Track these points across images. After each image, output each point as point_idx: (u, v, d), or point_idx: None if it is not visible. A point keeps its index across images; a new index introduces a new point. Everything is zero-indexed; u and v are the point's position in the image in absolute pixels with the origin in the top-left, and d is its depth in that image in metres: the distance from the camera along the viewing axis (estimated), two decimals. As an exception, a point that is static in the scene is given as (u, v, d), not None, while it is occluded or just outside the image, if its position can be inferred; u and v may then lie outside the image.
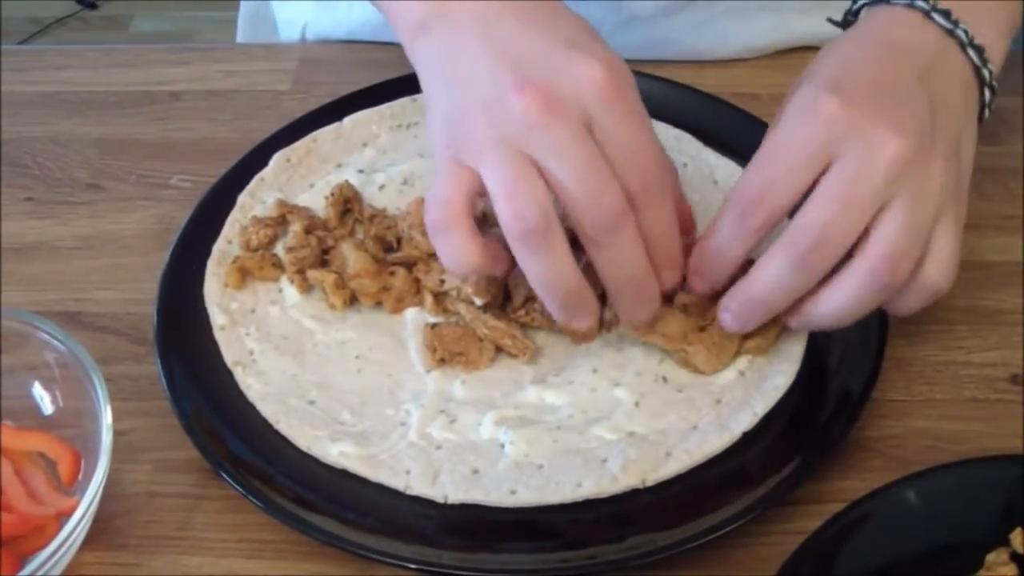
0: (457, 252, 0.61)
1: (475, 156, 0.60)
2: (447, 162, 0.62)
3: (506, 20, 0.62)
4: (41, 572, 0.57)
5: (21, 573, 0.56)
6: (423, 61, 0.66)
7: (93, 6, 2.88)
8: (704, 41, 0.90)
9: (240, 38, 1.14)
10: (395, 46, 0.93)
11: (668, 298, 0.69)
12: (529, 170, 0.59)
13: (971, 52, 0.64)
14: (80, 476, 0.63)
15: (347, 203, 0.77)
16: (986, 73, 0.65)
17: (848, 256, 0.61)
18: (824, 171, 0.60)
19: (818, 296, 0.62)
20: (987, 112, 0.66)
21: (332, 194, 0.76)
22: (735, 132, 0.79)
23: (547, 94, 0.59)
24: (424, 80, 0.66)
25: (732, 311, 0.64)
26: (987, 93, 0.66)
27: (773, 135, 0.62)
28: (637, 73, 0.63)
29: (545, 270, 0.60)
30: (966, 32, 0.64)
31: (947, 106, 0.63)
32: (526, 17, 0.62)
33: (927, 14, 0.64)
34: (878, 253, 0.59)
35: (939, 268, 0.62)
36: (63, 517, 0.59)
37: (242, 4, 1.13)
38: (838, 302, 0.62)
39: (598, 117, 0.59)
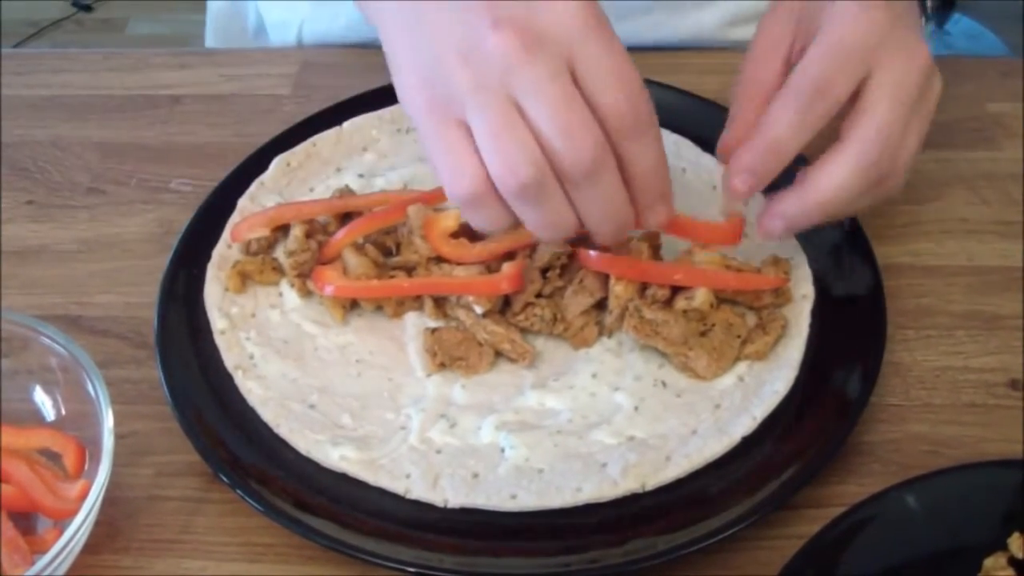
0: (497, 222, 0.61)
1: (459, 107, 0.58)
2: (435, 124, 0.58)
3: None
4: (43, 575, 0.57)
5: (23, 576, 0.56)
6: (384, 15, 0.62)
7: (88, 8, 2.87)
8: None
9: (209, 42, 1.10)
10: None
11: (669, 302, 0.69)
12: (514, 117, 0.57)
13: None
14: (86, 466, 0.63)
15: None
16: None
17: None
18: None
19: (816, 175, 0.64)
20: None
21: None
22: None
23: (526, 30, 0.56)
24: (386, 37, 0.62)
25: (747, 165, 0.65)
26: None
27: (826, 37, 0.64)
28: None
29: (543, 218, 0.60)
30: None
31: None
32: None
33: None
34: (873, 125, 0.63)
35: (905, 164, 0.66)
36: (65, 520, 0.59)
37: (209, 4, 1.09)
38: (835, 178, 0.64)
39: (580, 49, 0.57)
